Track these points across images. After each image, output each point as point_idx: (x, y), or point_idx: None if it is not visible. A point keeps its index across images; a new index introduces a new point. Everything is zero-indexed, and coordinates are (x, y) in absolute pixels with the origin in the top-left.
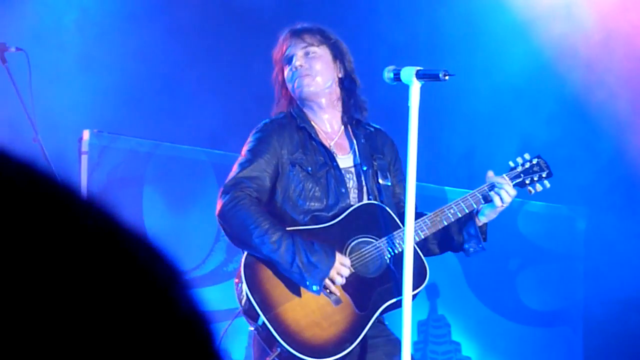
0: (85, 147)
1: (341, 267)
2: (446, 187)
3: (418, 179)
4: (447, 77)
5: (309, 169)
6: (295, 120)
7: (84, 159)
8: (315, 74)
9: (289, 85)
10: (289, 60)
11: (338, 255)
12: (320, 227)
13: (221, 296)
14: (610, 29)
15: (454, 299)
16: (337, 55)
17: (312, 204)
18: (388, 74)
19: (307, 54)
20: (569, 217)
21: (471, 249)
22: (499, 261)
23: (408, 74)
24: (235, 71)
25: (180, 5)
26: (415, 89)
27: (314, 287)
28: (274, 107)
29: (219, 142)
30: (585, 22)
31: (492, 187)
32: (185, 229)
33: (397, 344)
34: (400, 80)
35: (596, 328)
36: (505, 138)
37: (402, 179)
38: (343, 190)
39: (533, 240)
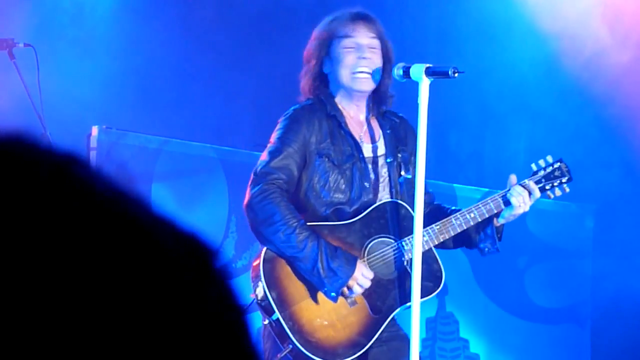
0: (93, 143)
1: (362, 278)
2: (455, 185)
3: (427, 176)
4: (456, 74)
5: (335, 160)
6: (325, 107)
7: (93, 155)
8: (377, 69)
9: (344, 72)
10: (356, 46)
11: (362, 267)
12: (342, 224)
13: None
14: (622, 28)
15: (462, 296)
16: (385, 50)
17: (336, 195)
18: (397, 70)
19: (370, 45)
20: (578, 214)
21: (486, 249)
22: (507, 258)
23: (417, 70)
24: (244, 68)
25: (189, 1)
26: (424, 85)
27: (332, 294)
28: (304, 81)
29: (228, 138)
30: (594, 16)
31: (513, 189)
32: (193, 226)
33: (404, 339)
34: (409, 77)
35: (604, 326)
36: (514, 135)
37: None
38: (367, 185)
39: (541, 237)
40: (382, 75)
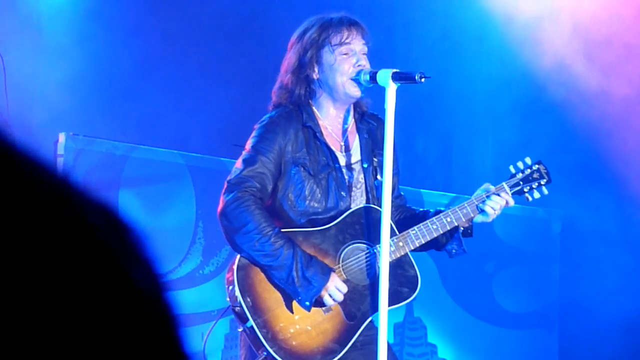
0: (60, 150)
1: (334, 290)
2: (422, 190)
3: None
4: (423, 80)
5: (311, 169)
6: (301, 116)
7: (60, 162)
8: None
9: (340, 78)
10: (351, 53)
11: (335, 278)
12: (317, 230)
13: (197, 299)
14: (594, 34)
15: (430, 301)
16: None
17: (312, 204)
18: (364, 76)
19: (363, 52)
20: (545, 219)
21: (453, 251)
22: (475, 263)
23: (384, 76)
24: (211, 74)
25: (155, 7)
26: (391, 91)
27: (306, 303)
28: (282, 88)
29: (196, 144)
30: (566, 25)
31: (489, 198)
32: (161, 232)
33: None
34: (376, 82)
35: (572, 330)
36: (482, 141)
37: (396, 173)
38: (343, 194)
39: (509, 242)
40: None
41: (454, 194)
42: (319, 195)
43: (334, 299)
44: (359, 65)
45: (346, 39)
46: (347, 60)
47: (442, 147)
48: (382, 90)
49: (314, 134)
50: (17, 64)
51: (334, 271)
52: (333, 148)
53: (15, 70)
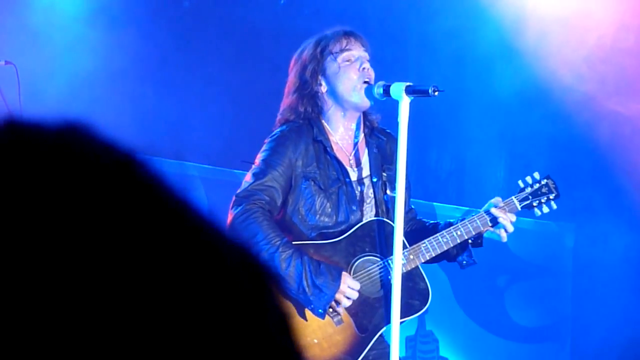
0: None
1: (349, 290)
2: (435, 203)
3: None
4: (436, 93)
5: (321, 184)
6: (312, 131)
7: None
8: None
9: (348, 85)
10: (354, 59)
11: (347, 279)
12: (328, 243)
13: None
14: (606, 46)
15: (442, 315)
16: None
17: (322, 219)
18: (377, 89)
19: (366, 58)
20: (558, 233)
21: (464, 262)
22: (487, 277)
23: (397, 89)
24: (224, 86)
25: (166, 19)
26: (404, 104)
27: (319, 311)
28: (286, 109)
29: (208, 156)
30: (577, 38)
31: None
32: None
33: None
34: (389, 95)
35: (584, 344)
36: (494, 154)
37: (406, 187)
38: (354, 208)
39: (522, 256)
40: None
41: (467, 208)
42: (330, 210)
43: (350, 299)
44: (363, 69)
45: (346, 45)
46: (352, 66)
47: (454, 161)
48: (395, 103)
49: (324, 149)
50: (29, 74)
51: (343, 271)
52: (343, 163)
53: (27, 80)
